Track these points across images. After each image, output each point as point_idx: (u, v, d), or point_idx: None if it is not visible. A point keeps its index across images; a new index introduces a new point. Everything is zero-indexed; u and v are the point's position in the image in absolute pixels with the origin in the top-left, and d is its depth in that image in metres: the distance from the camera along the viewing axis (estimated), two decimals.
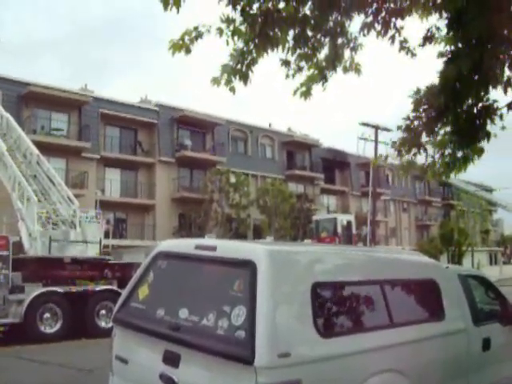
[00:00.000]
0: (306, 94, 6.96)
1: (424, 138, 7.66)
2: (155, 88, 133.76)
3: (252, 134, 50.19)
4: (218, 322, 4.32)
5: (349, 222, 37.96)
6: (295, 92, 6.94)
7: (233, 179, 42.55)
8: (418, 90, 7.43)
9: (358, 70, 7.07)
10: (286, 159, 53.33)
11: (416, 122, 7.60)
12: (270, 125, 53.46)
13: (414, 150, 7.73)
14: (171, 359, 4.58)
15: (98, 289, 16.54)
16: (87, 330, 15.86)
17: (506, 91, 6.59)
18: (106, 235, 20.38)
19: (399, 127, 7.79)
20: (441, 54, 6.87)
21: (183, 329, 4.56)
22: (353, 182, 59.18)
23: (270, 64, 7.33)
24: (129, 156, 42.56)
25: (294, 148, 54.15)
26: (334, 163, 57.95)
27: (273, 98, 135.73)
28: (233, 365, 4.06)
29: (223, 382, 4.20)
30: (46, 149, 28.18)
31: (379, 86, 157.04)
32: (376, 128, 39.44)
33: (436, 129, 7.41)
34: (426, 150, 7.72)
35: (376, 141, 39.26)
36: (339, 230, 36.44)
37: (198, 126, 46.08)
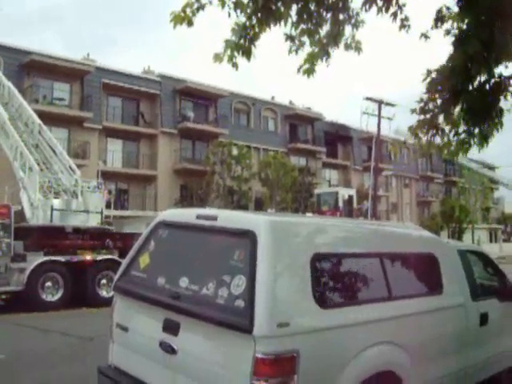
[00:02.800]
0: (310, 71, 6.89)
1: (441, 119, 7.55)
2: (158, 59, 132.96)
3: (255, 107, 49.98)
4: (218, 292, 4.36)
5: (350, 197, 38.00)
6: (299, 70, 6.87)
7: (235, 151, 42.40)
8: (429, 72, 7.31)
9: (358, 48, 7.00)
10: (288, 132, 53.13)
11: (431, 104, 7.51)
12: (272, 98, 53.20)
13: (431, 132, 7.64)
14: (171, 327, 4.64)
15: (99, 258, 16.64)
16: (88, 299, 16.01)
17: None
18: (108, 205, 20.40)
19: (413, 110, 7.69)
20: (447, 32, 6.79)
21: (183, 297, 4.60)
22: (355, 156, 59.05)
23: (272, 37, 7.29)
24: (131, 127, 42.43)
25: (297, 121, 53.95)
26: (337, 137, 57.74)
27: (275, 71, 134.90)
28: (232, 334, 4.10)
29: (222, 351, 4.25)
30: (48, 118, 28.13)
31: (382, 61, 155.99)
32: (380, 103, 39.15)
33: (452, 111, 7.30)
34: (443, 131, 7.62)
35: (379, 115, 39.02)
36: (340, 203, 36.48)
37: (200, 98, 45.88)
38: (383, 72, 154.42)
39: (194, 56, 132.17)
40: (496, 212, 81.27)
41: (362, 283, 5.06)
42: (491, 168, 72.56)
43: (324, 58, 6.86)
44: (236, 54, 6.16)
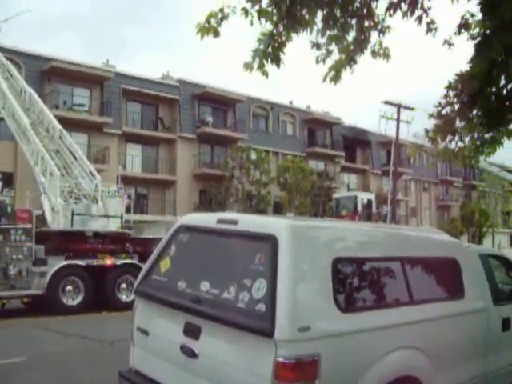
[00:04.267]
0: (336, 78, 6.82)
1: (458, 123, 7.50)
2: (176, 64, 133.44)
3: (273, 111, 50.01)
4: (239, 295, 4.36)
5: (369, 201, 37.82)
6: (325, 78, 6.81)
7: (253, 156, 42.50)
8: (451, 83, 7.27)
9: (386, 55, 6.89)
10: (306, 137, 53.10)
11: (448, 108, 7.47)
12: (291, 102, 53.23)
13: (449, 137, 7.59)
14: (192, 331, 4.65)
15: (119, 263, 16.70)
16: (108, 303, 16.08)
17: None
18: (128, 210, 20.49)
19: (431, 115, 7.64)
20: (472, 37, 6.75)
21: (204, 301, 4.61)
22: (373, 160, 58.79)
23: (294, 43, 7.30)
24: (150, 132, 42.70)
25: (315, 125, 53.88)
26: (355, 141, 57.55)
27: (294, 74, 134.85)
28: (253, 338, 4.11)
29: (243, 355, 4.25)
30: (68, 124, 28.38)
31: (402, 65, 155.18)
32: (398, 106, 38.96)
33: (469, 115, 7.26)
34: (460, 135, 7.57)
35: (398, 119, 38.82)
36: (359, 208, 36.31)
37: (219, 103, 46.06)
38: (404, 75, 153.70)
39: (212, 58, 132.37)
40: None
41: (382, 287, 5.03)
42: (511, 171, 71.77)
43: (350, 65, 6.82)
44: (265, 61, 6.16)
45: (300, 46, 7.01)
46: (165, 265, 5.41)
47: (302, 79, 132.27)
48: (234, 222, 4.92)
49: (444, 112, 7.46)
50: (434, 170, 65.37)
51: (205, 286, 4.74)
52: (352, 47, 6.71)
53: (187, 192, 42.99)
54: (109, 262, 16.63)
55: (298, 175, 43.08)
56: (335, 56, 6.75)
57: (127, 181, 34.78)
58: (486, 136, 7.20)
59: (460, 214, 62.65)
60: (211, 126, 44.45)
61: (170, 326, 5.00)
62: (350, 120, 57.91)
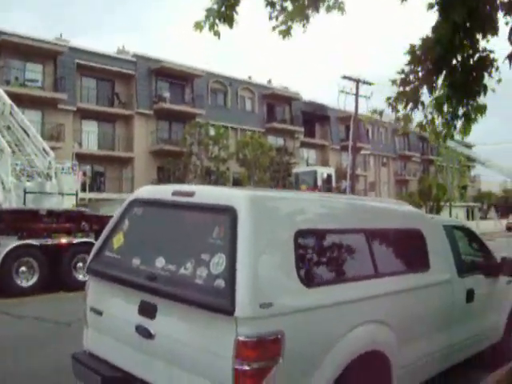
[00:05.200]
0: (286, 32, 6.71)
1: (422, 92, 7.30)
2: (135, 41, 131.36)
3: (232, 87, 49.63)
4: (197, 271, 4.13)
5: (329, 175, 37.92)
6: (274, 29, 6.66)
7: (212, 132, 42.18)
8: (413, 46, 7.07)
9: (341, 9, 6.81)
10: (265, 112, 52.94)
11: (412, 76, 7.28)
12: (249, 77, 52.88)
13: (410, 105, 7.38)
14: (147, 310, 4.41)
15: (74, 241, 16.29)
16: (64, 283, 15.69)
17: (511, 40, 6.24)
18: (83, 187, 20.06)
19: (393, 81, 7.44)
20: (431, 6, 6.55)
21: (160, 278, 4.37)
22: (333, 135, 59.03)
23: (250, 9, 7.09)
24: (106, 108, 41.86)
25: (274, 101, 53.73)
26: (314, 117, 57.66)
27: (253, 51, 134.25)
28: (212, 315, 3.89)
29: (202, 334, 4.04)
30: (21, 100, 27.46)
31: (361, 39, 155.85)
32: (357, 81, 39.12)
33: (434, 83, 7.08)
34: (423, 105, 7.35)
35: (357, 94, 39.00)
36: (319, 182, 36.38)
37: (176, 78, 45.41)
38: (363, 51, 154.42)
39: (172, 34, 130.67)
40: (473, 190, 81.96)
41: (347, 260, 4.88)
42: (468, 146, 72.95)
43: (303, 23, 6.65)
44: (218, 21, 5.93)
45: (260, 16, 6.78)
46: (118, 241, 5.13)
47: (261, 56, 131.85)
48: (191, 194, 4.67)
49: (408, 79, 7.27)
50: (392, 145, 66.09)
51: (160, 262, 4.48)
52: (306, 2, 6.53)
53: (145, 169, 42.45)
54: (64, 240, 16.21)
55: (257, 151, 42.99)
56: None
57: (83, 158, 34.21)
58: (459, 112, 7.02)
59: (418, 188, 63.60)
60: (169, 102, 43.88)
61: (124, 305, 4.76)
62: (310, 96, 57.87)
